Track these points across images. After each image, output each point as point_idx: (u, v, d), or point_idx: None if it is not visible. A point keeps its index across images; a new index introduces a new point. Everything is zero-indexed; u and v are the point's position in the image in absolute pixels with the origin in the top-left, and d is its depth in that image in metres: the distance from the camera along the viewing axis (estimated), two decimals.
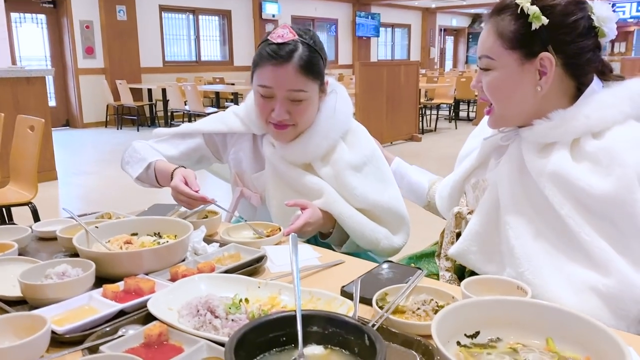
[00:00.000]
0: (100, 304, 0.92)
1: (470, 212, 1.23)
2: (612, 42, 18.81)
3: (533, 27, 1.04)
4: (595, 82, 1.09)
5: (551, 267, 1.00)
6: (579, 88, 1.09)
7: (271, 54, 1.34)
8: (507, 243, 1.07)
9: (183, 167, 1.46)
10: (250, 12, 13.10)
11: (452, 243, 1.26)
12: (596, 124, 1.02)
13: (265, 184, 1.53)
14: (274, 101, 1.37)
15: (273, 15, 13.35)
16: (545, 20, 1.03)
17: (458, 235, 1.28)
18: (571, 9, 1.05)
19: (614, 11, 1.09)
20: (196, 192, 1.35)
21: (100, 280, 1.00)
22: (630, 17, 17.38)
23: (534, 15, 1.03)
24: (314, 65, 1.37)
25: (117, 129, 10.06)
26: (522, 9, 1.04)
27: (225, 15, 12.66)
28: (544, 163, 1.04)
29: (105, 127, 10.30)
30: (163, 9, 11.33)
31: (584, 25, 1.05)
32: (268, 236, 1.31)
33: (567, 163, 1.01)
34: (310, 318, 0.72)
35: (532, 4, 1.04)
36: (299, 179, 1.45)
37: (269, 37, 1.38)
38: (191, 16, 12.09)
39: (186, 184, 1.37)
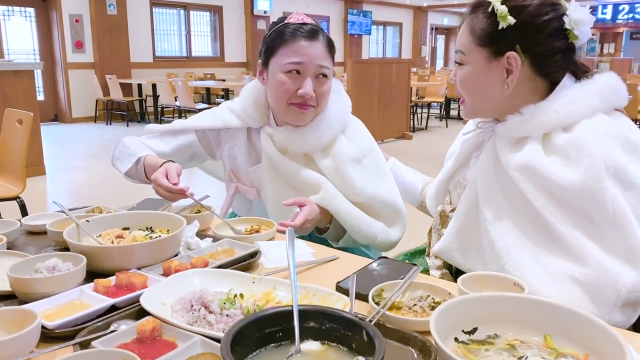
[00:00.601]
0: (91, 299, 0.91)
1: (453, 210, 1.24)
2: (602, 43, 19.03)
3: (500, 27, 1.06)
4: (568, 77, 1.10)
5: (530, 260, 1.01)
6: (552, 85, 1.10)
7: (302, 32, 1.39)
8: (487, 238, 1.08)
9: (172, 161, 1.43)
10: (242, 8, 13.04)
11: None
12: (565, 118, 1.04)
13: (261, 178, 1.52)
14: (300, 79, 1.39)
15: (265, 12, 13.30)
16: (512, 21, 1.05)
17: None
18: (542, 10, 1.05)
19: (592, 13, 1.10)
20: (175, 184, 1.32)
21: (92, 274, 0.98)
22: (619, 19, 17.55)
23: (501, 14, 1.06)
24: (333, 47, 1.45)
25: (107, 124, 9.97)
26: (492, 8, 1.06)
27: (216, 11, 12.59)
28: (517, 157, 1.06)
29: (95, 122, 10.21)
30: (154, 4, 11.24)
31: (553, 27, 1.06)
32: (250, 233, 1.30)
33: (539, 156, 1.03)
34: (307, 313, 0.71)
35: (502, 3, 1.06)
36: (295, 174, 1.44)
37: (287, 21, 1.43)
38: (182, 11, 12.01)
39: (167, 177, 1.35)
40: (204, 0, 12.16)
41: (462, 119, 10.79)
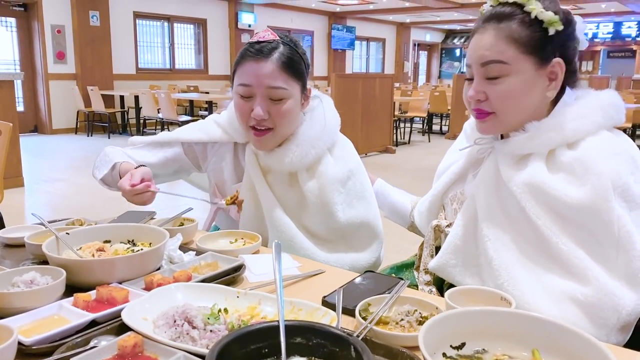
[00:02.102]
0: (70, 314, 0.88)
1: (449, 225, 1.23)
2: (580, 60, 19.42)
3: (550, 33, 1.05)
4: (567, 93, 1.11)
5: (530, 278, 1.00)
6: (556, 97, 1.11)
7: (251, 51, 1.33)
8: (486, 255, 1.07)
9: (143, 166, 1.39)
10: (226, 21, 13.08)
11: (432, 256, 1.25)
12: (571, 134, 1.04)
13: (242, 196, 1.48)
14: (253, 101, 1.34)
15: (249, 25, 13.36)
16: (561, 26, 1.04)
17: (437, 248, 1.28)
18: (568, 18, 1.08)
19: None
20: (133, 185, 1.28)
21: (71, 289, 0.96)
22: (596, 37, 17.96)
23: (551, 21, 1.04)
24: (295, 64, 1.35)
25: (88, 135, 9.86)
26: (534, 16, 1.05)
27: (200, 24, 12.60)
28: (520, 174, 1.05)
29: (75, 133, 10.09)
30: (137, 15, 11.22)
31: (574, 33, 1.09)
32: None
33: (543, 174, 1.02)
34: (293, 329, 0.70)
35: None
36: (270, 201, 1.40)
37: (250, 40, 1.37)
38: (166, 24, 12.00)
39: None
40: (188, 12, 12.17)
41: (444, 133, 10.93)
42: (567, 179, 1.00)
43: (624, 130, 7.32)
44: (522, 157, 1.08)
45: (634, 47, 18.64)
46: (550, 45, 1.06)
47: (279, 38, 1.36)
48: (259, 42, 1.34)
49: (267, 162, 1.42)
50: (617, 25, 17.57)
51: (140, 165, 1.38)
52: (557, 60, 1.06)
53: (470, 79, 1.12)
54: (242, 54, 1.35)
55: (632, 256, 0.94)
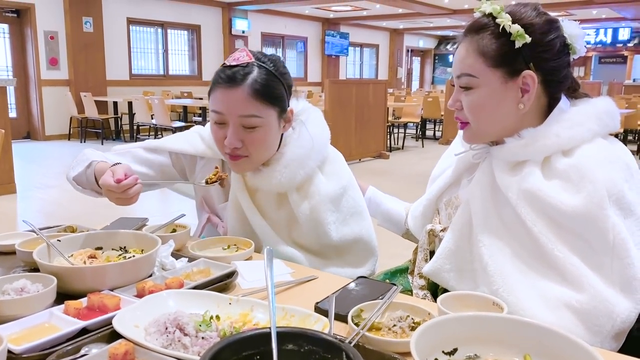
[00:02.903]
0: (61, 322, 0.87)
1: (443, 230, 1.23)
2: (572, 66, 19.56)
3: (517, 46, 1.05)
4: (563, 100, 1.11)
5: (525, 284, 1.00)
6: (550, 105, 1.11)
7: (223, 77, 1.27)
8: (481, 261, 1.07)
9: (120, 164, 1.28)
10: (220, 27, 13.10)
11: (426, 260, 1.25)
12: (566, 142, 1.04)
13: (227, 216, 1.43)
14: (226, 128, 1.28)
15: (243, 32, 13.37)
16: (528, 39, 1.04)
17: (431, 253, 1.28)
18: (547, 28, 1.07)
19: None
20: (118, 181, 1.17)
21: (62, 296, 0.95)
22: (587, 43, 18.09)
23: (517, 33, 1.04)
24: (270, 90, 1.27)
25: (81, 142, 9.82)
26: (503, 28, 1.05)
27: (194, 30, 12.61)
28: (516, 181, 1.05)
29: (68, 139, 10.05)
30: (131, 22, 11.21)
31: (559, 43, 1.08)
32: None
33: (539, 181, 1.02)
34: (285, 335, 0.70)
35: (512, 22, 1.05)
36: (257, 222, 1.37)
37: (225, 61, 1.31)
38: (160, 30, 11.99)
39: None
40: (182, 19, 12.18)
41: (437, 139, 10.96)
42: (563, 186, 1.00)
43: (616, 135, 7.38)
44: (518, 164, 1.08)
45: (625, 53, 18.80)
46: (520, 57, 1.06)
47: (254, 60, 1.29)
48: (231, 67, 1.27)
49: (254, 183, 1.37)
50: (608, 32, 17.72)
51: (117, 163, 1.28)
52: (528, 72, 1.06)
53: (453, 86, 1.16)
54: (214, 79, 1.29)
55: (627, 264, 0.94)
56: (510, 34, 1.05)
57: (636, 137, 9.12)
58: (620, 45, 17.76)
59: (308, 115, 1.43)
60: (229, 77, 1.26)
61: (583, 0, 12.16)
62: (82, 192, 1.44)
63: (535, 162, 1.06)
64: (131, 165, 1.40)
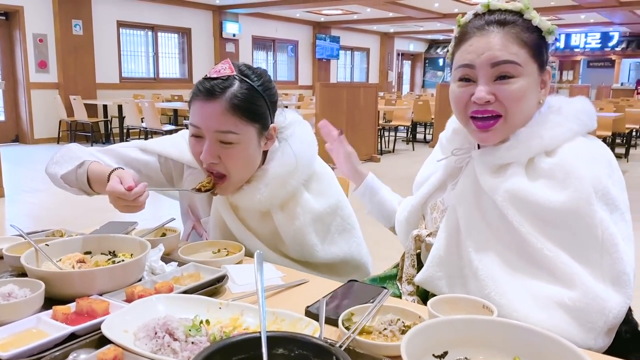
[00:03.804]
0: (49, 327, 0.87)
1: (430, 235, 1.23)
2: (561, 70, 19.77)
3: (549, 41, 1.08)
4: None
5: (516, 286, 1.00)
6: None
7: (201, 90, 1.22)
8: (471, 266, 1.07)
9: (122, 168, 1.26)
10: (211, 30, 13.08)
11: (414, 266, 1.26)
12: (549, 142, 1.05)
13: (209, 230, 1.42)
14: (204, 142, 1.24)
15: (234, 35, 13.37)
16: (557, 34, 1.07)
17: (418, 256, 1.28)
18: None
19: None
20: (129, 189, 1.15)
21: (50, 301, 0.94)
22: (576, 47, 18.27)
23: (549, 29, 1.07)
24: (249, 105, 1.22)
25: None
26: (535, 23, 1.07)
27: (185, 33, 12.58)
28: (501, 183, 1.06)
29: (58, 143, 9.97)
30: (121, 24, 11.16)
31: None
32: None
33: (524, 182, 1.03)
34: (275, 340, 0.70)
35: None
36: (240, 235, 1.35)
37: (207, 74, 1.26)
38: (150, 33, 11.95)
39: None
40: (172, 22, 12.15)
41: (428, 142, 11.00)
42: (548, 184, 1.01)
43: (604, 139, 7.47)
44: (501, 166, 1.08)
45: (613, 57, 18.99)
46: (546, 54, 1.09)
47: (236, 73, 1.24)
48: (212, 79, 1.23)
49: (236, 200, 1.34)
50: (597, 36, 17.90)
51: (119, 168, 1.27)
52: (548, 68, 1.10)
53: (466, 80, 1.08)
54: (194, 91, 1.25)
55: (616, 258, 0.95)
56: (539, 29, 1.07)
57: (624, 140, 9.21)
58: (608, 49, 17.94)
59: (293, 130, 1.37)
60: (208, 89, 1.22)
61: (571, 5, 12.26)
62: (64, 188, 1.38)
63: (519, 164, 1.06)
64: (114, 163, 1.39)
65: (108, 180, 1.20)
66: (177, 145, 1.45)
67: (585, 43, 18.19)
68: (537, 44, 1.07)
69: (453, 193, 1.17)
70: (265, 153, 1.34)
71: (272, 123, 1.31)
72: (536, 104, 1.09)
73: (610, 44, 17.71)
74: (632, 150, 9.17)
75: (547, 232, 1.00)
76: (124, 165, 1.39)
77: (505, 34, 1.05)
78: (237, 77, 1.24)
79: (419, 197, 1.29)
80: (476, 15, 1.12)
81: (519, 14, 1.08)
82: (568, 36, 18.17)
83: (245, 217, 1.36)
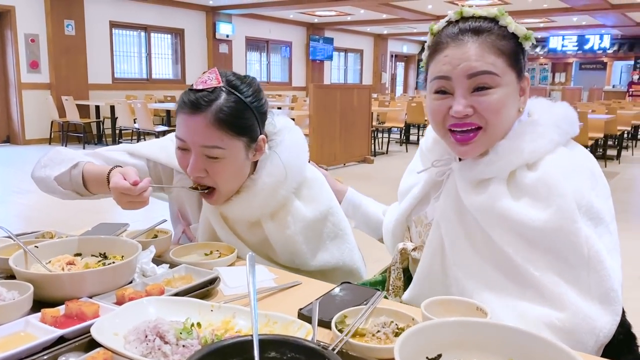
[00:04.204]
0: (38, 330, 0.85)
1: (415, 249, 1.22)
2: (553, 72, 19.88)
3: (526, 47, 1.05)
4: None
5: (504, 306, 0.98)
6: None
7: (186, 102, 1.18)
8: (457, 285, 1.06)
9: (119, 166, 1.24)
10: (204, 31, 13.05)
11: (400, 279, 1.25)
12: (529, 156, 1.02)
13: (197, 236, 1.40)
14: (189, 155, 1.20)
15: (227, 36, 13.35)
16: (534, 41, 1.04)
17: (405, 270, 1.26)
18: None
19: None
20: (135, 183, 1.13)
21: (39, 304, 0.93)
22: (568, 50, 18.39)
23: (526, 35, 1.04)
24: (236, 119, 1.18)
25: (62, 146, 9.68)
26: (511, 30, 1.04)
27: (178, 34, 12.54)
28: (483, 200, 1.03)
29: (49, 144, 9.91)
30: (114, 25, 11.11)
31: None
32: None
33: (506, 199, 1.00)
34: (268, 343, 0.69)
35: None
36: (233, 239, 1.33)
37: (193, 83, 1.22)
38: (143, 33, 11.91)
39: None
40: (165, 23, 12.12)
41: None
42: (531, 203, 0.98)
43: (596, 141, 7.51)
44: (482, 181, 1.06)
45: (605, 60, 19.12)
46: (523, 60, 1.06)
47: (223, 84, 1.19)
48: (197, 91, 1.18)
49: (225, 211, 1.32)
50: (589, 38, 18.01)
51: (117, 166, 1.25)
52: (527, 75, 1.07)
53: (442, 92, 1.05)
54: (178, 103, 1.21)
55: (604, 276, 0.94)
56: (515, 36, 1.04)
57: (616, 142, 9.27)
58: (600, 52, 18.05)
59: (283, 138, 1.33)
60: (192, 102, 1.17)
61: (564, 8, 12.34)
62: (54, 192, 1.36)
63: (500, 179, 1.03)
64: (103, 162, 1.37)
65: (108, 178, 1.19)
66: (166, 149, 1.41)
67: (577, 45, 18.29)
68: (514, 51, 1.03)
69: (436, 209, 1.14)
70: (255, 162, 1.31)
71: (261, 134, 1.27)
72: (516, 112, 1.06)
73: (602, 47, 17.82)
74: (623, 152, 9.22)
75: (533, 252, 0.98)
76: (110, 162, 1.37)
77: (481, 43, 1.01)
78: (224, 88, 1.19)
79: (402, 209, 1.26)
80: (449, 22, 1.07)
81: (494, 20, 1.04)
82: (560, 38, 18.27)
83: (235, 226, 1.34)
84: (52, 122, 9.85)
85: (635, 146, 10.44)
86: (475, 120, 1.03)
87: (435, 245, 1.12)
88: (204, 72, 1.23)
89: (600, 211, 0.99)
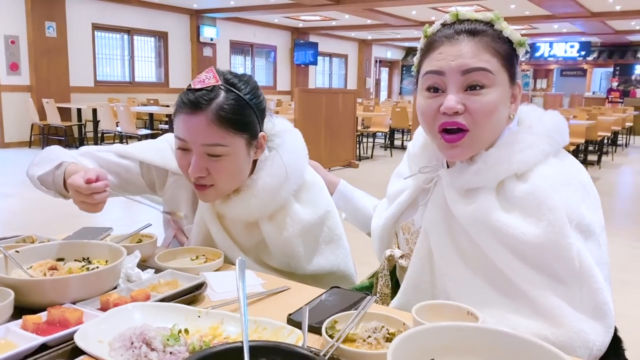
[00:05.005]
0: (18, 338, 0.82)
1: (402, 257, 1.21)
2: (535, 78, 20.15)
3: (519, 53, 1.04)
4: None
5: (495, 319, 0.97)
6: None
7: (185, 102, 1.17)
8: (446, 295, 1.04)
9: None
10: (188, 34, 12.99)
11: (388, 285, 1.23)
12: (518, 167, 1.01)
13: (191, 238, 1.39)
14: (191, 155, 1.19)
15: (211, 39, 13.29)
16: (528, 48, 1.03)
17: (392, 274, 1.25)
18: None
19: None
20: (89, 181, 1.10)
21: (21, 310, 0.90)
22: (550, 56, 18.66)
23: (520, 41, 1.03)
24: (237, 116, 1.18)
25: (42, 149, 9.52)
26: (506, 34, 1.03)
27: (161, 37, 12.46)
28: (472, 211, 1.01)
29: (30, 147, 9.76)
30: (96, 27, 11.00)
31: None
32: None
33: (496, 211, 0.99)
34: (258, 349, 0.67)
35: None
36: (223, 245, 1.32)
37: (191, 82, 1.21)
38: (126, 36, 11.80)
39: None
40: (149, 25, 12.03)
41: (405, 148, 11.02)
42: (521, 216, 0.97)
43: (577, 147, 7.61)
44: (471, 190, 1.04)
45: (585, 66, 19.43)
46: (517, 66, 1.05)
47: (221, 82, 1.19)
48: (196, 90, 1.18)
49: (222, 209, 1.30)
50: (569, 45, 18.29)
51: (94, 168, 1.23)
52: (519, 82, 1.06)
53: (434, 90, 1.03)
54: (177, 103, 1.20)
55: (595, 289, 0.93)
56: (510, 41, 1.03)
57: (596, 148, 9.40)
58: (581, 59, 18.34)
59: (284, 140, 1.33)
60: (192, 102, 1.16)
61: (546, 15, 12.52)
62: (42, 191, 1.35)
63: (489, 188, 1.02)
64: (94, 164, 1.36)
65: None
66: (161, 150, 1.39)
67: (559, 52, 18.56)
68: (508, 54, 1.02)
69: (424, 216, 1.13)
70: (254, 162, 1.30)
71: (261, 131, 1.27)
72: (506, 118, 1.05)
73: (583, 54, 18.10)
74: (604, 158, 9.36)
75: (524, 266, 0.97)
76: (105, 169, 1.34)
77: (477, 42, 1.00)
78: (222, 87, 1.19)
79: (389, 215, 1.24)
80: (444, 24, 1.06)
81: (490, 24, 1.04)
82: (542, 45, 18.53)
83: (231, 226, 1.32)
84: (32, 125, 9.70)
85: (615, 152, 10.61)
86: (463, 121, 1.00)
87: (423, 255, 1.10)
88: (201, 73, 1.22)
89: (590, 224, 0.98)
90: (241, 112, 1.19)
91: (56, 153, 1.33)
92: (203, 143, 1.17)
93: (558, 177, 0.99)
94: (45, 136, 9.59)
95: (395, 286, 1.22)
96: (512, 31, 1.03)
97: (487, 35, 1.02)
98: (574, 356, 0.90)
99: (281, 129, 1.36)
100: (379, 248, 1.30)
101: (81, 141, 10.05)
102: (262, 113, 1.27)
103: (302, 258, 1.30)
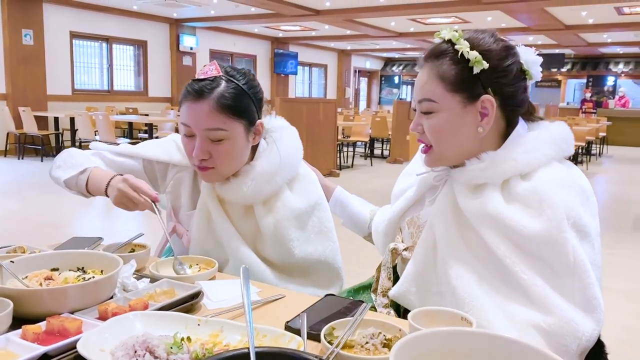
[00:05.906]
0: (19, 348, 0.82)
1: (406, 249, 1.25)
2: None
3: (475, 72, 1.08)
4: (520, 124, 1.15)
5: (493, 307, 1.02)
6: (508, 128, 1.15)
7: (190, 91, 1.29)
8: (448, 284, 1.08)
9: (120, 175, 1.36)
10: (167, 43, 12.93)
11: (389, 279, 1.27)
12: (524, 166, 1.07)
13: (191, 224, 1.43)
14: (194, 140, 1.31)
15: (191, 48, 13.25)
16: (486, 65, 1.08)
17: (394, 268, 1.29)
18: (504, 54, 1.11)
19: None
20: (154, 200, 1.29)
21: (18, 321, 0.90)
22: None
23: (475, 60, 1.08)
24: (236, 103, 1.29)
25: (18, 158, 9.38)
26: (461, 54, 1.09)
27: (141, 46, 12.38)
28: (478, 204, 1.07)
29: (5, 156, 9.58)
30: (74, 35, 10.89)
31: (516, 69, 1.12)
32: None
33: (500, 205, 1.05)
34: (264, 355, 0.69)
35: (470, 49, 1.08)
36: (225, 230, 1.37)
37: (196, 75, 1.33)
38: (104, 44, 11.70)
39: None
40: (128, 34, 11.94)
41: (385, 157, 11.15)
42: (523, 210, 1.03)
43: None
44: (478, 186, 1.11)
45: (559, 78, 19.86)
46: (479, 83, 1.09)
47: (222, 74, 1.31)
48: (200, 80, 1.29)
49: (222, 193, 1.38)
50: (544, 57, 18.68)
51: (118, 174, 1.37)
52: (486, 97, 1.09)
53: (415, 109, 1.18)
54: (183, 93, 1.32)
55: (587, 284, 0.98)
56: (468, 60, 1.08)
57: (571, 158, 9.61)
58: (555, 70, 18.73)
59: (281, 134, 1.45)
60: (196, 90, 1.28)
61: (521, 27, 12.79)
62: (66, 190, 1.50)
63: (494, 185, 1.09)
64: (102, 165, 1.49)
65: (107, 185, 1.34)
66: (166, 147, 1.51)
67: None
68: (460, 76, 1.09)
69: (430, 210, 1.18)
70: (254, 152, 1.41)
71: (259, 119, 1.37)
72: (473, 133, 1.11)
73: (557, 65, 18.49)
74: (578, 167, 9.55)
75: (522, 256, 1.02)
76: (106, 167, 1.48)
77: (430, 69, 1.12)
78: (223, 77, 1.30)
79: (396, 210, 1.31)
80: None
81: (453, 44, 1.11)
82: None
83: (231, 211, 1.39)
84: (7, 133, 9.53)
85: (589, 161, 10.84)
86: (424, 139, 1.16)
87: (427, 244, 1.15)
88: (204, 65, 1.35)
89: (586, 226, 1.03)
90: (240, 100, 1.30)
91: (77, 158, 1.48)
92: (205, 128, 1.28)
93: (560, 179, 1.06)
94: (21, 145, 9.44)
95: (397, 280, 1.25)
96: (466, 51, 1.09)
97: (447, 57, 1.11)
98: (564, 345, 0.95)
99: (280, 125, 1.49)
100: (383, 243, 1.34)
101: (58, 150, 9.89)
102: (259, 102, 1.38)
103: (292, 242, 1.36)
